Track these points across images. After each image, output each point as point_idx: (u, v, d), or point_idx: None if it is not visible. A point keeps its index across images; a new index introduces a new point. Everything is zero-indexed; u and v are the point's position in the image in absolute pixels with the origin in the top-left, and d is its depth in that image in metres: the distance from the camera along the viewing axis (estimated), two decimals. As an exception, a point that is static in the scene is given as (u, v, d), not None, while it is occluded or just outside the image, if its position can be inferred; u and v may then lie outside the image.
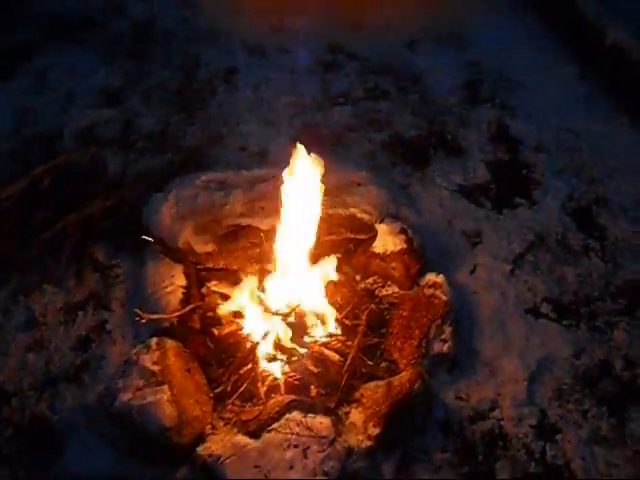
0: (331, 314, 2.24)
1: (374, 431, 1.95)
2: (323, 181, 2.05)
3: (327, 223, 2.38)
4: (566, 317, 2.35)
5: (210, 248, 2.30)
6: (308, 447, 1.90)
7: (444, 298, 2.22)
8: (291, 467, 1.87)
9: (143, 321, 2.11)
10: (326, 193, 2.46)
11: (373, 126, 3.18)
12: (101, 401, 2.01)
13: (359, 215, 2.40)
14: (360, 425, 1.98)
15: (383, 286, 2.38)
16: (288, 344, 2.14)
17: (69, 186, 2.71)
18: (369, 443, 1.94)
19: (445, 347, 2.13)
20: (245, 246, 2.29)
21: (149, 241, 2.28)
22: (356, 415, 2.00)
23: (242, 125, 3.15)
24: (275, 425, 1.94)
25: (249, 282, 2.15)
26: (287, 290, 2.18)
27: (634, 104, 3.17)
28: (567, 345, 2.26)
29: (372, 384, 2.06)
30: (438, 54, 3.63)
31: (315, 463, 1.88)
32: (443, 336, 2.15)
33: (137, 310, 2.13)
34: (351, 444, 1.95)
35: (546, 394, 2.14)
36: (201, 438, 1.97)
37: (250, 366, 2.11)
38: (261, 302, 2.14)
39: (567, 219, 2.69)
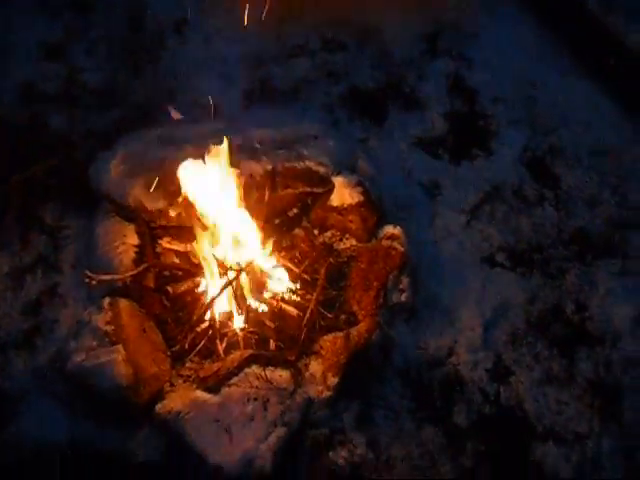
0: (288, 269, 2.22)
1: (333, 381, 1.97)
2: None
3: (284, 177, 2.33)
4: (520, 265, 2.39)
5: (162, 205, 2.22)
6: (268, 399, 1.91)
7: (401, 249, 2.23)
8: (251, 420, 1.87)
9: (94, 282, 2.04)
10: (282, 146, 2.43)
11: (330, 79, 3.10)
12: (54, 364, 1.96)
13: (315, 168, 2.35)
14: (319, 376, 1.99)
15: (341, 239, 2.37)
16: (245, 300, 2.11)
17: (9, 145, 2.57)
18: (329, 393, 1.96)
19: (403, 297, 2.15)
20: (198, 202, 2.22)
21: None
22: (315, 366, 2.01)
23: (193, 79, 3.02)
24: (234, 379, 1.94)
25: (203, 239, 2.09)
26: (242, 245, 2.14)
27: (590, 55, 3.18)
28: (521, 292, 2.31)
29: (331, 336, 2.06)
30: (396, 6, 3.53)
31: (275, 415, 1.89)
32: (401, 286, 2.17)
33: (87, 272, 2.05)
34: (311, 395, 1.96)
35: (501, 339, 2.20)
36: (159, 396, 1.95)
37: (207, 323, 2.08)
38: (216, 258, 2.09)
39: (522, 169, 2.71)
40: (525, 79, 3.10)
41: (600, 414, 2.04)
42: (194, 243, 2.14)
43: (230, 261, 2.11)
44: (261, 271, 2.15)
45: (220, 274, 2.08)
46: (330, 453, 1.92)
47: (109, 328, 1.94)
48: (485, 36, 3.33)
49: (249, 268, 2.10)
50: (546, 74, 3.13)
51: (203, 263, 2.08)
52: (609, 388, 2.09)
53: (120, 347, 1.90)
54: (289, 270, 2.23)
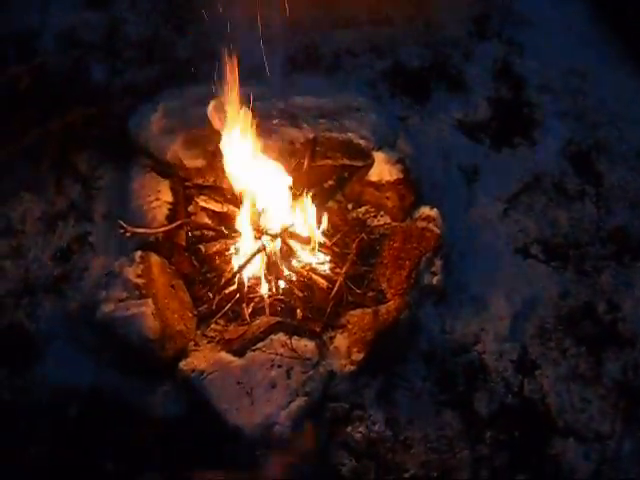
0: (321, 240, 2.19)
1: (358, 356, 1.96)
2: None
3: (323, 147, 2.29)
4: (555, 259, 2.34)
5: (200, 163, 2.20)
6: (292, 368, 1.90)
7: (437, 231, 2.19)
8: (273, 386, 1.87)
9: (127, 234, 2.04)
10: (324, 115, 2.38)
11: (375, 53, 3.03)
12: (82, 312, 1.97)
13: (356, 141, 2.30)
14: (344, 350, 1.98)
15: (375, 216, 2.34)
16: (276, 266, 2.10)
17: (50, 90, 2.55)
18: (352, 368, 1.95)
19: (434, 280, 2.12)
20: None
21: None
22: (341, 340, 2.00)
23: (237, 41, 2.96)
24: (260, 345, 1.94)
25: (240, 200, 2.07)
26: (279, 211, 2.11)
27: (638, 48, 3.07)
28: (553, 286, 2.27)
29: (359, 311, 2.05)
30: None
31: (298, 383, 1.88)
32: (433, 269, 2.13)
33: (121, 222, 2.04)
34: (334, 368, 1.95)
35: (528, 332, 2.16)
36: (184, 353, 1.95)
37: (236, 286, 2.07)
38: (251, 221, 2.07)
39: (565, 163, 2.63)
40: (575, 70, 3.00)
41: (624, 415, 2.01)
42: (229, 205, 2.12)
43: (265, 226, 2.09)
44: (294, 239, 2.13)
45: (254, 238, 2.06)
46: (348, 427, 1.92)
47: (140, 281, 1.93)
48: (537, 22, 3.21)
49: (283, 235, 2.08)
50: (598, 66, 3.03)
51: (238, 225, 2.06)
52: (635, 390, 2.06)
53: (150, 301, 1.90)
54: (321, 242, 2.20)
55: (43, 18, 2.96)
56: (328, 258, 2.19)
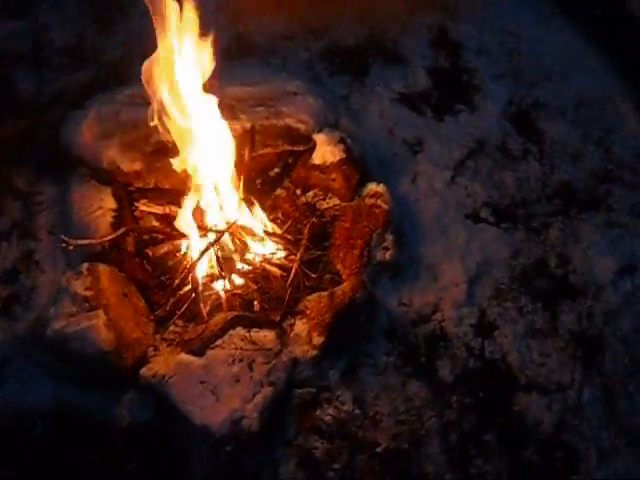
0: (271, 229, 2.18)
1: (319, 340, 1.96)
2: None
3: (263, 135, 2.27)
4: (504, 220, 2.38)
5: (138, 166, 2.16)
6: (253, 360, 1.90)
7: (385, 207, 2.19)
8: (237, 381, 1.87)
9: (71, 247, 1.99)
10: (261, 104, 2.36)
11: (310, 34, 3.00)
12: (34, 331, 1.93)
13: (295, 125, 2.29)
14: (305, 335, 1.98)
15: (324, 199, 2.33)
16: (229, 261, 2.08)
17: (-25, 108, 2.46)
18: (314, 352, 1.96)
19: (387, 255, 2.13)
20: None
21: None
22: (300, 326, 2.00)
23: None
24: (219, 342, 1.92)
25: (182, 200, 2.04)
26: (223, 206, 2.09)
27: (576, 5, 3.10)
28: (505, 247, 2.31)
29: (315, 295, 2.05)
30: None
31: (261, 375, 1.89)
32: (385, 244, 2.15)
33: (63, 237, 2.00)
34: (297, 354, 1.96)
35: (485, 295, 2.20)
36: (144, 360, 1.93)
37: (190, 286, 2.05)
38: (196, 220, 2.04)
39: (507, 124, 2.66)
40: (509, 31, 3.02)
41: (582, 364, 2.07)
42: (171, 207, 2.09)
43: (211, 223, 2.06)
44: (243, 232, 2.11)
45: (201, 236, 2.04)
46: (317, 411, 1.93)
47: (89, 293, 1.90)
48: (469, -14, 3.23)
49: (231, 230, 2.06)
50: (531, 25, 3.06)
51: (179, 225, 2.03)
52: (591, 339, 2.12)
53: (101, 312, 1.87)
54: (272, 230, 2.19)
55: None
56: (281, 246, 2.19)
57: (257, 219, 2.16)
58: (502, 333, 2.12)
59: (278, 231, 2.20)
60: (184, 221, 2.01)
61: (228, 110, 2.27)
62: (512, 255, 2.29)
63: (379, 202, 2.21)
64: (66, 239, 1.97)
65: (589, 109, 2.71)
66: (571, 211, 2.40)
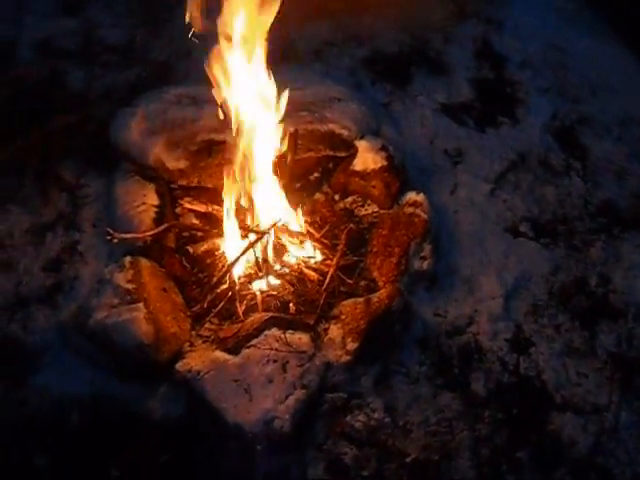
0: (309, 233, 2.19)
1: (352, 346, 1.96)
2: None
3: (305, 139, 2.29)
4: (544, 236, 2.35)
5: (183, 165, 2.20)
6: (287, 362, 1.91)
7: (424, 216, 2.19)
8: (270, 381, 1.88)
9: (115, 240, 2.03)
10: (304, 108, 2.38)
11: (353, 42, 3.02)
12: (76, 320, 1.97)
13: (338, 131, 2.30)
14: (339, 341, 1.98)
15: (363, 205, 2.34)
16: (267, 262, 2.10)
17: (29, 100, 2.54)
18: (348, 358, 1.96)
19: (424, 264, 2.13)
20: (219, 162, 2.19)
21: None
22: (335, 331, 2.00)
23: (213, 39, 2.94)
24: (254, 341, 1.94)
25: (225, 199, 2.07)
26: (265, 208, 2.11)
27: (622, 20, 3.06)
28: (544, 263, 2.28)
29: (351, 301, 2.05)
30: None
31: (294, 377, 1.89)
32: (422, 254, 2.14)
33: (109, 229, 2.04)
34: (330, 359, 1.96)
35: (522, 310, 2.17)
36: (179, 355, 1.96)
37: (227, 285, 2.08)
38: (238, 220, 2.07)
39: (550, 138, 2.64)
40: (555, 45, 3.01)
41: (620, 387, 2.03)
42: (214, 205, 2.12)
43: (252, 223, 2.09)
44: (282, 234, 2.13)
45: (242, 236, 2.07)
46: (348, 417, 1.93)
47: (130, 286, 1.94)
48: (515, -1, 3.22)
49: (271, 231, 2.08)
50: (577, 40, 3.04)
51: (225, 223, 2.06)
52: (630, 362, 2.08)
53: (141, 305, 1.90)
54: (310, 234, 2.20)
55: (19, 28, 2.95)
56: (318, 250, 2.20)
57: (297, 222, 2.17)
58: (538, 350, 2.09)
59: (316, 235, 2.21)
60: (225, 220, 2.04)
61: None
62: (551, 271, 2.26)
63: (418, 211, 2.21)
64: (111, 232, 2.01)
65: (635, 127, 2.67)
66: (614, 230, 2.37)
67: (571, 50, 2.99)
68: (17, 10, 3.04)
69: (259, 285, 2.09)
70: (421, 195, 2.25)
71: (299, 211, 2.17)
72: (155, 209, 2.20)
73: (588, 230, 2.37)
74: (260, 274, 2.09)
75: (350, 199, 2.36)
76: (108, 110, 2.48)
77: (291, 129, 2.27)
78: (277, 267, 2.13)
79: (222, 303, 2.06)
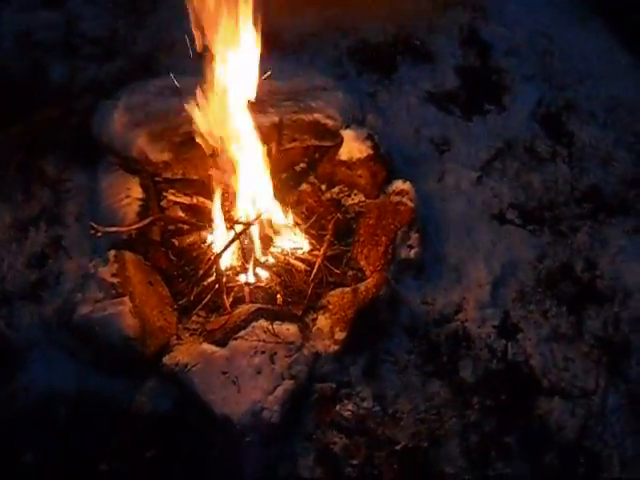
0: (296, 224, 2.18)
1: (341, 335, 1.96)
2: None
3: (291, 129, 2.27)
4: (531, 222, 2.35)
5: (167, 157, 2.17)
6: (275, 353, 1.91)
7: (411, 205, 2.19)
8: (259, 372, 1.87)
9: (99, 234, 2.01)
10: (289, 98, 2.36)
11: (339, 32, 2.99)
12: (60, 316, 1.95)
13: (323, 121, 2.29)
14: (327, 330, 1.98)
15: (349, 195, 2.33)
16: (252, 254, 2.09)
17: (10, 95, 2.50)
18: (336, 347, 1.96)
19: (412, 253, 2.12)
20: (203, 154, 2.17)
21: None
22: (323, 321, 2.00)
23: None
24: (241, 333, 1.93)
25: (210, 191, 2.05)
26: (250, 199, 2.10)
27: (608, 6, 3.06)
28: (531, 249, 2.28)
29: (338, 291, 2.05)
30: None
31: (283, 368, 1.89)
32: (409, 242, 2.14)
33: (92, 223, 2.02)
34: (318, 349, 1.96)
35: (509, 296, 2.18)
36: (167, 348, 1.95)
37: (214, 277, 2.06)
38: (223, 212, 2.06)
39: (536, 125, 2.64)
40: (541, 32, 2.99)
41: (606, 371, 2.04)
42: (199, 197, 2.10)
43: (237, 214, 2.07)
44: (269, 225, 2.12)
45: (227, 227, 2.05)
46: (337, 406, 1.93)
47: (115, 280, 1.92)
48: (501, -14, 3.20)
49: (257, 222, 2.07)
50: (563, 27, 3.03)
51: (210, 215, 2.05)
52: (617, 345, 2.09)
53: (126, 299, 1.88)
54: (296, 225, 2.19)
55: (-2, 22, 2.90)
56: (305, 241, 2.19)
57: (283, 213, 2.16)
58: (526, 336, 2.10)
59: (303, 225, 2.20)
60: (213, 211, 2.02)
61: (257, 104, 2.27)
62: (538, 258, 2.26)
63: (405, 200, 2.20)
64: (95, 226, 1.99)
65: (621, 114, 2.67)
66: (600, 216, 2.37)
67: (557, 37, 2.98)
68: (-2, 3, 2.99)
69: (246, 277, 2.08)
70: (407, 183, 2.24)
71: (285, 202, 2.16)
72: (139, 202, 2.18)
73: (574, 216, 2.37)
74: (247, 266, 2.08)
75: (337, 189, 2.35)
76: (90, 103, 2.45)
77: (276, 119, 2.26)
78: (264, 258, 2.12)
79: (209, 295, 2.05)
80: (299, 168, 2.37)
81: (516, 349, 2.07)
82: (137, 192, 2.20)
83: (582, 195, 2.43)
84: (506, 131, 2.60)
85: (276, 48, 2.88)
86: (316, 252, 2.15)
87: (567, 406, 1.97)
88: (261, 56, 2.77)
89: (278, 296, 2.07)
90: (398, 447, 1.89)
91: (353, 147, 2.27)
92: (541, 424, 1.94)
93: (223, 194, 2.09)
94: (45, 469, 1.85)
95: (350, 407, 1.93)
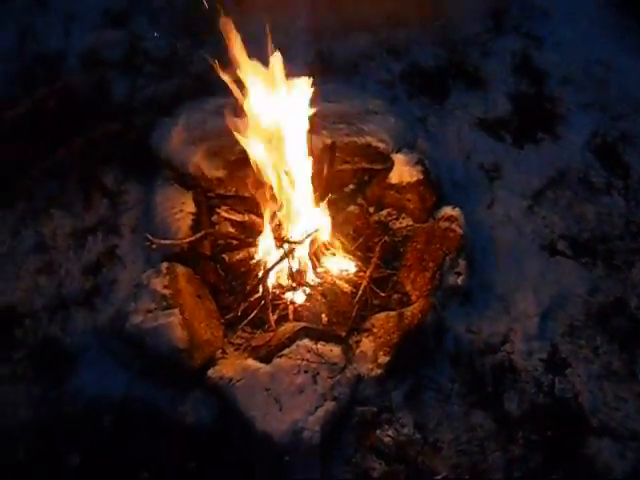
0: (344, 245, 2.20)
1: (384, 360, 1.95)
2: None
3: (342, 152, 2.31)
4: (583, 255, 2.30)
5: (221, 174, 2.24)
6: (318, 373, 1.91)
7: (459, 231, 2.17)
8: (301, 391, 1.88)
9: (153, 246, 2.08)
10: (342, 121, 2.40)
11: (391, 55, 3.03)
12: (113, 324, 2.02)
13: (375, 144, 2.31)
14: (370, 354, 1.98)
15: (397, 218, 2.33)
16: (300, 272, 2.11)
17: (74, 109, 2.63)
18: (379, 371, 1.95)
19: (459, 280, 2.10)
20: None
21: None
22: (367, 344, 2.00)
23: (254, 50, 2.99)
24: (286, 351, 1.95)
25: (262, 209, 2.09)
26: (301, 219, 2.13)
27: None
28: (582, 282, 2.23)
29: (383, 314, 2.05)
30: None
31: (325, 388, 1.89)
32: (457, 269, 2.12)
33: (147, 235, 2.09)
34: (361, 372, 1.95)
35: (558, 330, 2.12)
36: (212, 362, 1.98)
37: (261, 294, 2.09)
38: (273, 230, 2.09)
39: (590, 156, 2.59)
40: (597, 61, 2.95)
41: (660, 413, 1.96)
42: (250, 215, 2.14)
43: (287, 233, 2.10)
44: (317, 245, 2.14)
45: (276, 246, 2.09)
46: (377, 431, 1.91)
47: (167, 291, 1.97)
48: (556, 13, 3.18)
49: (305, 241, 2.09)
50: (620, 56, 2.97)
51: (261, 233, 2.08)
52: (672, 387, 2.00)
53: (177, 311, 1.93)
54: (344, 246, 2.21)
55: (66, 39, 3.06)
56: (352, 262, 2.20)
57: (331, 233, 2.18)
58: (575, 372, 2.04)
59: (350, 247, 2.22)
60: (264, 230, 2.06)
61: (310, 126, 2.31)
62: (589, 291, 2.21)
63: (453, 226, 2.19)
64: (150, 238, 2.06)
65: (680, 145, 2.59)
66: (656, 251, 2.30)
67: (613, 65, 2.93)
68: (65, 21, 3.16)
69: (292, 295, 2.10)
70: (456, 210, 2.23)
71: (334, 222, 2.18)
72: (192, 216, 2.24)
73: (629, 250, 2.30)
74: (293, 284, 2.10)
75: (385, 212, 2.36)
76: (150, 119, 2.55)
77: (329, 141, 2.30)
78: (310, 278, 2.14)
79: (255, 312, 2.08)
80: (348, 190, 2.40)
81: (564, 384, 2.01)
82: (190, 207, 2.27)
83: (638, 229, 2.36)
84: (559, 160, 2.56)
85: (329, 69, 2.95)
86: (362, 274, 2.16)
87: (617, 448, 1.90)
88: (314, 79, 2.87)
89: (323, 316, 2.08)
90: (438, 477, 1.86)
91: (403, 171, 2.28)
92: (589, 464, 1.88)
93: (274, 213, 2.13)
94: (88, 473, 1.90)
95: (390, 433, 1.91)
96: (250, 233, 2.23)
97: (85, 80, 2.85)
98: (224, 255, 2.19)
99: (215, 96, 2.58)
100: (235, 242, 2.24)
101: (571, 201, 2.44)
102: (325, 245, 2.18)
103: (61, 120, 2.60)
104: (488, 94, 2.83)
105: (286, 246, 2.07)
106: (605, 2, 3.26)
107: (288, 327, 2.02)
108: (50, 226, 2.35)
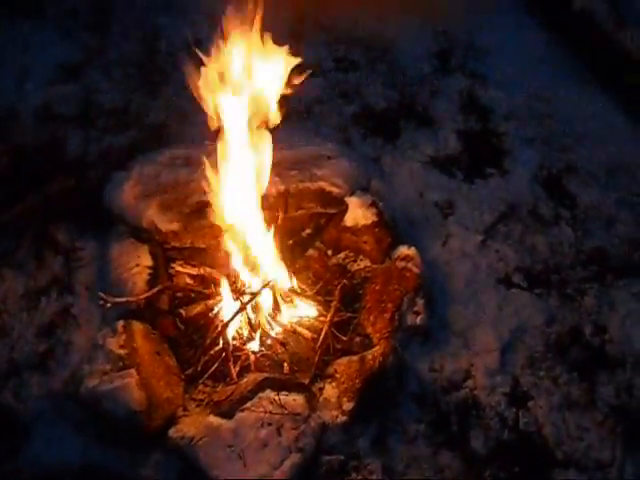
0: (302, 291, 2.20)
1: (348, 406, 1.94)
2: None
3: (296, 198, 2.33)
4: (537, 286, 2.35)
5: (176, 227, 2.23)
6: (282, 425, 1.88)
7: (416, 270, 2.20)
8: (265, 445, 1.85)
9: (108, 305, 2.04)
10: (295, 167, 2.43)
11: (343, 98, 3.11)
12: (67, 387, 1.96)
13: (328, 189, 2.35)
14: (334, 400, 1.96)
15: (355, 260, 2.36)
16: (259, 323, 2.10)
17: (29, 165, 2.60)
18: (344, 418, 1.93)
19: (418, 319, 2.12)
20: (212, 223, 2.22)
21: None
22: (330, 391, 1.99)
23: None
24: (248, 404, 1.91)
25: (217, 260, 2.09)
26: (256, 268, 2.13)
27: (604, 69, 3.16)
28: (539, 313, 2.27)
29: (345, 359, 2.04)
30: (407, 24, 3.53)
31: (290, 440, 1.86)
32: (416, 308, 2.14)
33: (101, 294, 2.05)
34: (326, 420, 1.93)
35: (518, 362, 2.15)
36: (173, 420, 1.93)
37: (221, 346, 2.07)
38: (231, 281, 2.08)
39: (538, 188, 2.68)
40: (539, 96, 3.09)
41: (623, 440, 1.98)
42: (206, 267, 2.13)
43: (244, 283, 2.10)
44: (275, 293, 2.14)
45: (234, 298, 2.07)
46: (345, 479, 1.89)
47: (123, 351, 1.93)
48: (498, 51, 3.33)
49: (263, 291, 2.09)
50: (560, 90, 3.12)
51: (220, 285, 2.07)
52: (631, 413, 2.04)
53: (133, 371, 1.89)
54: (303, 291, 2.21)
55: (19, 96, 3.05)
56: (312, 307, 2.20)
57: (289, 280, 2.18)
58: (537, 404, 2.06)
59: (309, 292, 2.22)
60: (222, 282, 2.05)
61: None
62: (546, 322, 2.25)
63: (410, 265, 2.22)
64: (104, 297, 2.02)
65: (622, 175, 2.71)
66: (606, 278, 2.37)
67: (555, 100, 3.07)
68: (19, 77, 3.15)
69: (253, 345, 2.08)
70: (412, 249, 2.27)
71: (292, 268, 2.19)
72: (149, 270, 2.21)
73: (581, 279, 2.37)
74: (253, 334, 2.08)
75: (343, 254, 2.38)
76: (104, 173, 2.53)
77: (282, 188, 2.32)
78: (270, 326, 2.13)
79: (216, 364, 2.05)
80: (305, 234, 2.41)
81: (528, 418, 2.03)
82: (147, 260, 2.24)
83: (587, 257, 2.43)
84: (509, 194, 2.64)
85: (282, 115, 3.01)
86: (323, 318, 2.16)
87: (583, 479, 1.91)
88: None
89: (285, 364, 2.06)
90: (409, 523, 1.83)
91: (358, 214, 2.32)
92: (556, 498, 1.88)
93: (230, 263, 2.12)
94: None
95: (359, 480, 1.89)
96: (208, 285, 2.21)
97: (39, 135, 2.83)
98: (182, 309, 2.16)
99: (169, 147, 2.60)
100: (193, 295, 2.22)
101: (523, 233, 2.51)
102: (285, 292, 2.18)
103: (15, 177, 2.57)
104: (438, 132, 2.92)
105: (244, 297, 2.06)
106: (542, 38, 3.44)
107: (250, 379, 1.99)
108: (1, 288, 2.29)
